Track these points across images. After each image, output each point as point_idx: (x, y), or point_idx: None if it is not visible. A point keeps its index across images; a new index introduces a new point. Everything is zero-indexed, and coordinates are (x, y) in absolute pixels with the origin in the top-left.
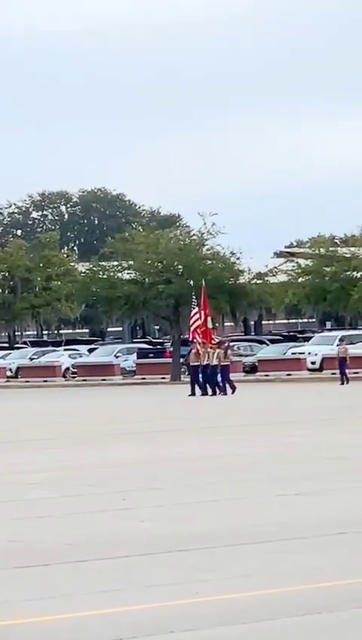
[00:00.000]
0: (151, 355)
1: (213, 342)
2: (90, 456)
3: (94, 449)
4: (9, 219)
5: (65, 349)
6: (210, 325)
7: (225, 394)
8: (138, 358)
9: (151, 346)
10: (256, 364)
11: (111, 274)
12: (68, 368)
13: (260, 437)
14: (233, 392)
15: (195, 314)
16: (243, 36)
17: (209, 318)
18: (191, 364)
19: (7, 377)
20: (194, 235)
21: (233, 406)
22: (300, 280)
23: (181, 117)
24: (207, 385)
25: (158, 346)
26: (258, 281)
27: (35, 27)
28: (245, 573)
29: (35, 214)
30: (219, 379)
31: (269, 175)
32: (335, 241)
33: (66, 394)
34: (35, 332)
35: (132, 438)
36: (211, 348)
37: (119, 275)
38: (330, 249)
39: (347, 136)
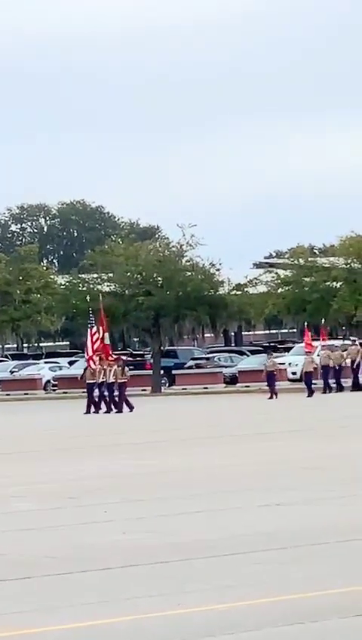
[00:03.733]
0: (131, 367)
1: (110, 358)
2: (70, 468)
3: (75, 462)
4: None
5: (45, 362)
6: (107, 341)
7: (121, 411)
8: None
9: (131, 358)
10: (237, 375)
11: (91, 286)
12: (49, 381)
13: (238, 448)
14: (130, 410)
15: (94, 333)
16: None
17: (106, 334)
18: (87, 381)
19: None
20: (173, 246)
21: (214, 416)
22: (280, 291)
23: (159, 129)
24: (102, 401)
25: (139, 358)
26: (238, 292)
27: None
28: (228, 584)
29: (13, 227)
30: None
31: (247, 186)
32: (315, 251)
33: (47, 407)
34: (15, 345)
35: (113, 450)
36: (109, 365)
37: (99, 287)
38: (309, 259)
39: (326, 147)
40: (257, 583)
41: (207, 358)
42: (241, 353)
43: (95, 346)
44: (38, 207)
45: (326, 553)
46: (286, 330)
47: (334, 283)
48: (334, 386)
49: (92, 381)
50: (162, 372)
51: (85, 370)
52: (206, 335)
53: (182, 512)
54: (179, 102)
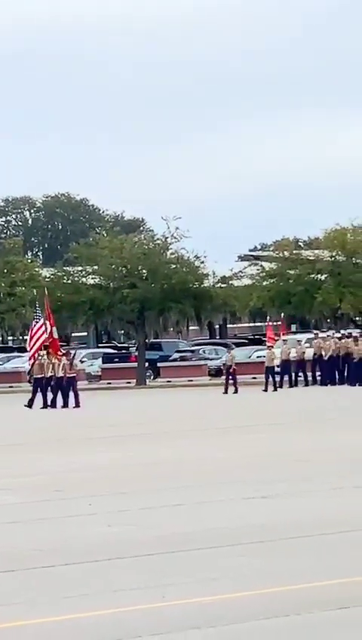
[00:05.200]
0: (116, 359)
1: (59, 353)
2: (56, 461)
3: (60, 454)
4: None
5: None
6: (55, 335)
7: (67, 406)
8: (103, 363)
9: (116, 351)
10: (222, 367)
11: (76, 279)
12: None
13: (223, 441)
14: (77, 406)
15: (40, 326)
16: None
17: (54, 328)
18: (35, 375)
19: None
20: (158, 239)
21: (199, 409)
22: (264, 283)
23: (143, 122)
24: (48, 397)
25: (124, 351)
26: (222, 285)
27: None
28: (212, 576)
29: None
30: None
31: (232, 179)
32: (299, 244)
33: None
34: (0, 338)
35: (97, 443)
36: (57, 359)
37: (83, 280)
38: (294, 252)
39: (311, 141)
40: (241, 575)
41: (192, 351)
42: (226, 346)
43: (40, 340)
44: (22, 200)
45: (310, 546)
46: (271, 323)
47: (318, 275)
48: (310, 379)
49: (40, 375)
50: (147, 365)
51: (33, 364)
52: (191, 328)
53: (166, 504)
54: (164, 95)
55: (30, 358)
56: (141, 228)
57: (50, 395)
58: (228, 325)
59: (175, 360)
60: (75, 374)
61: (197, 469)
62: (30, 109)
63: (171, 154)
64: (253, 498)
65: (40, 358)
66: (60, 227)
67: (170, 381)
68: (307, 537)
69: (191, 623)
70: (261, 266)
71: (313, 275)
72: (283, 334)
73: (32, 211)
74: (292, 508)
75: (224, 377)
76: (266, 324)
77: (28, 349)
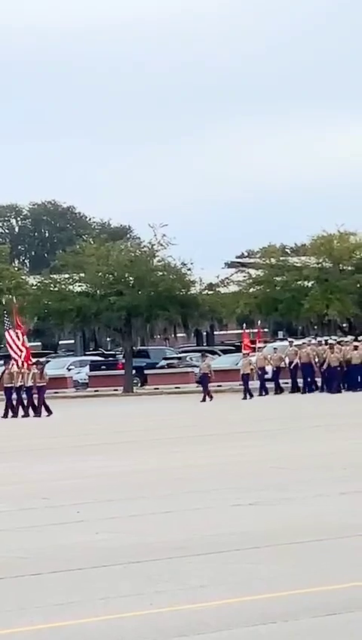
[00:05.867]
0: (103, 367)
1: (29, 362)
2: (42, 469)
3: (47, 462)
4: None
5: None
6: (27, 344)
7: (39, 415)
8: (90, 371)
9: (103, 358)
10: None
11: (63, 286)
12: None
13: (210, 448)
14: (48, 415)
15: (11, 336)
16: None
17: (25, 337)
18: (5, 385)
19: None
20: (144, 246)
21: (186, 416)
22: (251, 290)
23: (129, 129)
24: (20, 406)
25: (111, 358)
26: (209, 292)
27: None
28: (200, 583)
29: None
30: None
31: (219, 186)
32: (286, 250)
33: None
34: None
35: (84, 450)
36: (28, 368)
37: (70, 287)
38: (281, 259)
39: (296, 147)
40: (228, 583)
41: (179, 358)
42: (213, 353)
43: (22, 352)
44: (9, 208)
45: (297, 553)
46: (247, 330)
47: (305, 282)
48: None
49: (9, 385)
50: (134, 372)
51: (3, 372)
52: (178, 335)
53: (154, 512)
54: (150, 101)
55: (26, 366)
56: (128, 235)
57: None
58: (215, 332)
59: (162, 367)
60: (44, 383)
61: (184, 477)
62: (15, 115)
63: (158, 160)
64: (240, 505)
65: (10, 367)
66: (47, 235)
67: (157, 388)
68: (295, 544)
69: (180, 631)
70: (248, 272)
71: (300, 282)
72: (259, 342)
73: (19, 219)
74: (280, 515)
75: (201, 385)
76: (242, 331)
77: (15, 357)
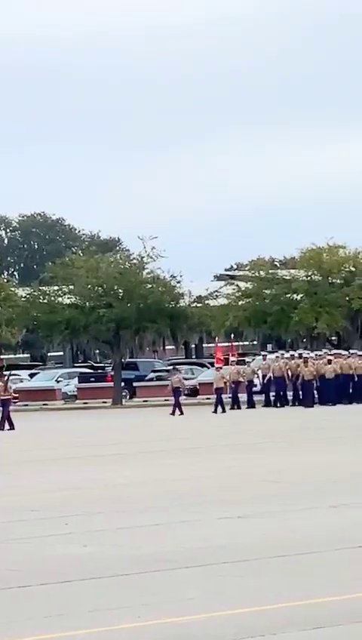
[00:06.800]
0: (92, 379)
1: None
2: (31, 481)
3: (35, 474)
4: None
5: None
6: None
7: (2, 429)
8: (79, 383)
9: (92, 370)
10: (198, 387)
11: (52, 298)
12: None
13: (198, 461)
14: (10, 429)
15: None
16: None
17: None
18: None
19: None
20: (134, 258)
21: (174, 429)
22: (240, 303)
23: (119, 141)
24: None
25: (100, 370)
26: (198, 304)
27: None
28: (188, 596)
29: None
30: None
31: (209, 199)
32: (275, 263)
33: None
34: None
35: (72, 463)
36: None
37: (60, 299)
38: (270, 271)
39: (287, 161)
40: (216, 595)
41: (168, 370)
42: (202, 365)
43: None
44: None
45: (285, 566)
46: (247, 343)
47: (294, 295)
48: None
49: None
50: (123, 384)
51: None
52: (167, 347)
53: (142, 524)
54: (139, 113)
55: None
56: (117, 247)
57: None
58: (204, 345)
59: (151, 379)
60: (9, 397)
61: (172, 489)
62: (5, 127)
63: (147, 173)
64: (228, 518)
65: None
66: (36, 247)
67: (146, 400)
68: (283, 557)
69: None
70: (237, 285)
71: (289, 295)
72: (233, 355)
73: (8, 231)
74: (268, 528)
75: (174, 398)
76: (215, 344)
77: None
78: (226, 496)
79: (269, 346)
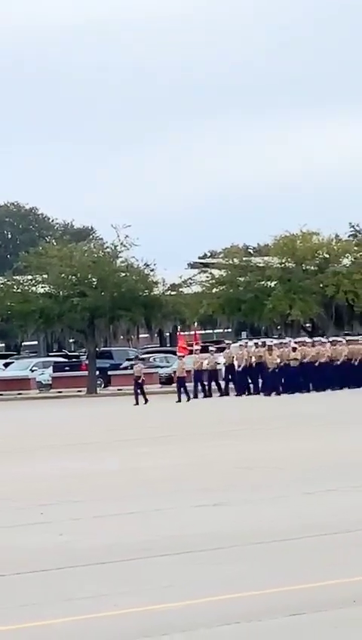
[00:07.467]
0: (67, 368)
1: None
2: (5, 470)
3: (10, 464)
4: None
5: None
6: None
7: None
8: (54, 372)
9: (67, 360)
10: (173, 375)
11: (26, 288)
12: None
13: (172, 449)
14: None
15: None
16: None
17: None
18: None
19: None
20: (107, 247)
21: (148, 417)
22: (214, 290)
23: (91, 130)
24: None
25: (74, 359)
26: (172, 293)
27: None
28: (164, 584)
29: None
30: None
31: (182, 187)
32: (249, 250)
33: None
34: None
35: (47, 451)
36: None
37: (33, 288)
38: (244, 259)
39: (260, 149)
40: (193, 583)
41: (143, 359)
42: (173, 353)
43: None
44: None
45: (261, 554)
46: (221, 330)
47: (268, 282)
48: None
49: None
50: (98, 373)
51: None
52: (141, 335)
53: (118, 513)
54: (114, 101)
55: None
56: (90, 236)
57: None
58: (178, 333)
59: (126, 368)
60: None
61: (147, 478)
62: None
63: (120, 162)
64: (204, 506)
65: None
66: (10, 236)
67: (120, 389)
68: (259, 544)
69: (144, 632)
70: (210, 273)
71: (263, 282)
72: (196, 344)
73: None
74: (244, 516)
75: (134, 388)
76: (178, 333)
77: None
78: (201, 484)
79: (244, 334)
